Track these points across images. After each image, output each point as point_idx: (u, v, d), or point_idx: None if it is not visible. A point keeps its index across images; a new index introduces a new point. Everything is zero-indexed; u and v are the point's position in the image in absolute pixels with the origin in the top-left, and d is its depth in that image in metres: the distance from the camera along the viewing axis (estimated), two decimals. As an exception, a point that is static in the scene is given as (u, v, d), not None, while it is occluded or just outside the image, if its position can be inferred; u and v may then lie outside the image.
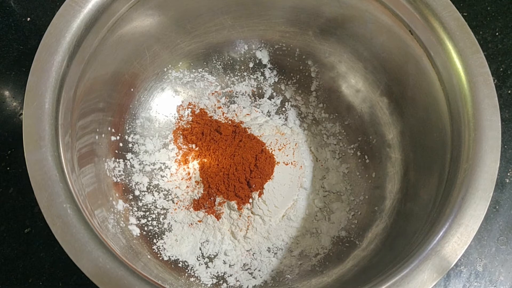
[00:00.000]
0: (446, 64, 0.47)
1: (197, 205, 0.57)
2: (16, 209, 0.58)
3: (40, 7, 0.71)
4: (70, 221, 0.37)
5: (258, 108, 0.65)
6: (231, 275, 0.54)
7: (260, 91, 0.66)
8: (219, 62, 0.65)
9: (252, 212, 0.57)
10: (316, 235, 0.58)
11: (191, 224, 0.57)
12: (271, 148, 0.61)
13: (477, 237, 0.59)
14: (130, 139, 0.58)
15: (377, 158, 0.60)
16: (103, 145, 0.54)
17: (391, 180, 0.57)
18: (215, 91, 0.65)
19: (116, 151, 0.56)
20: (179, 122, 0.63)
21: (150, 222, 0.56)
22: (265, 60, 0.65)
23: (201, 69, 0.64)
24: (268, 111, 0.65)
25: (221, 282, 0.53)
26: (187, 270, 0.54)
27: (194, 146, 0.61)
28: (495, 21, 0.72)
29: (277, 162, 0.61)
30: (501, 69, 0.69)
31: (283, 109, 0.66)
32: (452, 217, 0.40)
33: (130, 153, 0.58)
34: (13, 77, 0.66)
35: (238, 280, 0.54)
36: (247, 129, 0.63)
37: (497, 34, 0.71)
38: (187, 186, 0.59)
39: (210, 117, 0.64)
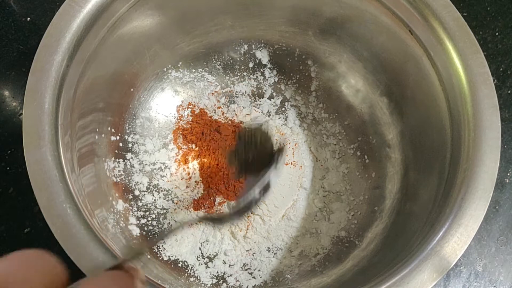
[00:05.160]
0: (446, 64, 0.47)
1: (197, 205, 0.57)
2: (16, 209, 0.58)
3: (40, 7, 0.71)
4: (70, 221, 0.37)
5: (258, 108, 0.65)
6: (231, 275, 0.54)
7: (260, 91, 0.66)
8: (219, 62, 0.65)
9: (251, 212, 0.57)
10: (316, 235, 0.58)
11: (191, 224, 0.57)
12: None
13: (477, 237, 0.59)
14: (130, 139, 0.58)
15: (377, 158, 0.60)
16: (103, 145, 0.54)
17: (391, 180, 0.57)
18: (215, 91, 0.65)
19: (116, 151, 0.56)
20: (179, 122, 0.63)
21: (150, 222, 0.56)
22: (265, 60, 0.65)
23: (201, 69, 0.64)
24: (268, 111, 0.65)
25: (221, 282, 0.54)
26: (186, 270, 0.54)
27: (194, 146, 0.61)
28: (495, 21, 0.72)
29: (277, 162, 0.61)
30: (501, 69, 0.69)
31: (283, 109, 0.66)
32: (452, 217, 0.40)
33: (130, 153, 0.58)
34: (13, 77, 0.66)
35: (238, 280, 0.54)
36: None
37: (497, 34, 0.71)
38: (187, 186, 0.59)
39: (210, 117, 0.64)
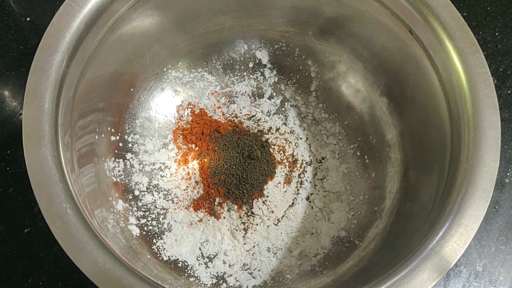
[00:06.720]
0: (446, 64, 0.47)
1: (196, 205, 0.57)
2: (16, 209, 0.58)
3: (40, 7, 0.71)
4: (69, 221, 0.37)
5: (258, 108, 0.65)
6: (230, 275, 0.54)
7: (260, 91, 0.66)
8: (219, 62, 0.65)
9: (251, 212, 0.57)
10: (316, 235, 0.58)
11: (191, 224, 0.57)
12: (271, 148, 0.61)
13: (476, 237, 0.59)
14: (129, 139, 0.58)
15: (377, 158, 0.60)
16: (103, 145, 0.54)
17: (390, 180, 0.57)
18: (215, 91, 0.65)
19: (116, 151, 0.56)
20: (178, 122, 0.63)
21: (150, 222, 0.56)
22: (264, 60, 0.65)
23: (201, 69, 0.64)
24: (268, 111, 0.65)
25: (220, 282, 0.53)
26: (186, 270, 0.54)
27: (194, 146, 0.61)
28: (495, 21, 0.72)
29: (277, 162, 0.61)
30: (501, 69, 0.69)
31: (283, 109, 0.66)
32: (452, 217, 0.40)
33: (130, 153, 0.58)
34: (13, 77, 0.66)
35: (237, 280, 0.54)
36: (247, 129, 0.63)
37: (497, 34, 0.71)
38: (187, 186, 0.59)
39: (210, 117, 0.64)
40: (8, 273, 0.55)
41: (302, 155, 0.62)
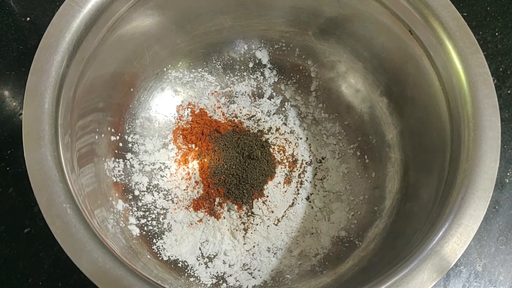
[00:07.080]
0: (446, 64, 0.47)
1: (196, 205, 0.57)
2: (16, 209, 0.58)
3: (40, 7, 0.71)
4: (69, 221, 0.37)
5: (258, 108, 0.65)
6: (230, 275, 0.54)
7: (259, 91, 0.66)
8: (219, 62, 0.65)
9: (251, 212, 0.57)
10: (316, 235, 0.58)
11: (191, 224, 0.57)
12: (271, 148, 0.61)
13: (476, 237, 0.59)
14: (129, 139, 0.58)
15: (377, 158, 0.60)
16: (103, 145, 0.54)
17: (390, 180, 0.57)
18: (215, 91, 0.65)
19: (116, 151, 0.56)
20: (178, 122, 0.63)
21: (150, 222, 0.56)
22: (264, 60, 0.65)
23: (201, 69, 0.64)
24: (268, 111, 0.65)
25: (220, 282, 0.53)
26: (186, 270, 0.54)
27: (194, 146, 0.61)
28: (495, 21, 0.72)
29: (277, 162, 0.61)
30: (501, 69, 0.69)
31: (283, 109, 0.66)
32: (451, 217, 0.41)
33: (130, 153, 0.58)
34: (13, 77, 0.66)
35: (237, 280, 0.54)
36: (247, 129, 0.63)
37: (497, 34, 0.71)
38: (187, 186, 0.59)
39: (210, 117, 0.64)
40: (8, 273, 0.55)
41: (302, 155, 0.62)
